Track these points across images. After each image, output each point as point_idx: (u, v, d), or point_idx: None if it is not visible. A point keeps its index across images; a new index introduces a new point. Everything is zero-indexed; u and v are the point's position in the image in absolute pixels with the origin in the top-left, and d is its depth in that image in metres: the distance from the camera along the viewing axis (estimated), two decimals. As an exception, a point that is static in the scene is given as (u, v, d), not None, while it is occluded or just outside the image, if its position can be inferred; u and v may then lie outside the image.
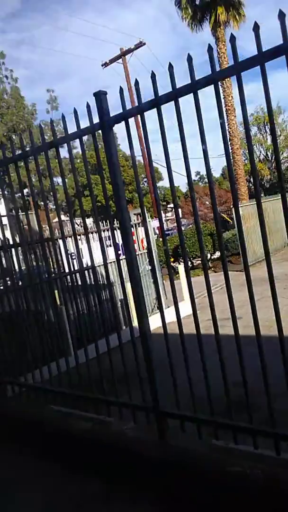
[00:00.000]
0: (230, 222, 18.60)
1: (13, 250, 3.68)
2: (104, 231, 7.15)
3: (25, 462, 3.10)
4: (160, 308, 2.59)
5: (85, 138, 2.76)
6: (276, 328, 2.11)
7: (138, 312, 2.59)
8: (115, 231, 2.76)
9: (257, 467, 2.15)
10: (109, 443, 2.76)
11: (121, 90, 2.36)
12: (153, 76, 2.21)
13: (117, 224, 3.26)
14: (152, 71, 2.19)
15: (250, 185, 23.76)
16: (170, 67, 2.15)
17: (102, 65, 22.84)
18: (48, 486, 2.79)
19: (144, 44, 21.32)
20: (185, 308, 3.88)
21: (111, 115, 2.45)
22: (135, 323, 2.66)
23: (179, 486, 2.41)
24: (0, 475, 3.07)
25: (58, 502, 2.63)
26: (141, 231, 8.44)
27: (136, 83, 2.28)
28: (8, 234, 3.90)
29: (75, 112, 2.53)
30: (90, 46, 69.55)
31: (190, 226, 21.15)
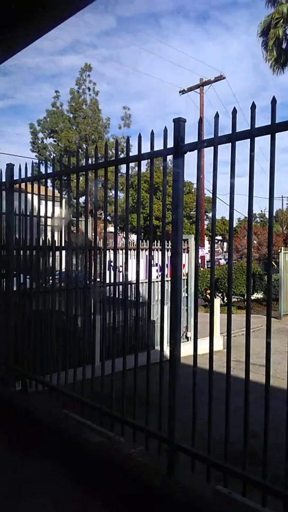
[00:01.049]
0: (274, 266, 18.21)
1: (60, 252, 3.78)
2: (153, 250, 7.22)
3: (26, 464, 3.10)
4: (195, 338, 2.56)
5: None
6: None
7: (171, 337, 2.57)
8: (164, 252, 2.79)
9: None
10: (116, 463, 2.72)
11: (200, 120, 2.43)
12: (234, 112, 2.26)
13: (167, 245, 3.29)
14: (234, 107, 2.23)
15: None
16: (253, 107, 2.19)
17: (179, 92, 23.56)
18: (46, 495, 2.77)
19: (224, 78, 21.80)
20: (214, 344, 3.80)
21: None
22: (164, 346, 2.64)
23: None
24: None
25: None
26: (184, 257, 8.46)
27: (216, 116, 2.33)
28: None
29: (152, 134, 2.62)
30: (170, 72, 72.04)
31: (235, 262, 20.92)
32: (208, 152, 2.50)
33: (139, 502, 2.51)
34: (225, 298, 14.08)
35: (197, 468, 2.46)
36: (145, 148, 2.72)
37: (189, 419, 2.50)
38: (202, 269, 16.79)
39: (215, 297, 12.62)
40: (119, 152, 3.12)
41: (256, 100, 2.17)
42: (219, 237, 44.78)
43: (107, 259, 5.44)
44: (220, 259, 34.63)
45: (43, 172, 3.76)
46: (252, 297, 14.44)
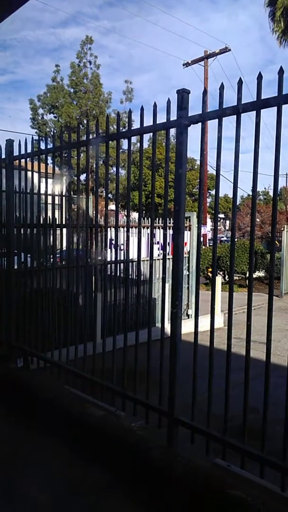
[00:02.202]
0: (277, 245, 18.17)
1: (60, 230, 3.74)
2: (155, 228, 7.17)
3: (29, 437, 3.17)
4: (196, 314, 2.56)
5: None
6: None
7: (173, 313, 2.58)
8: (166, 230, 2.75)
9: (259, 497, 2.08)
10: (117, 436, 2.77)
11: (204, 91, 2.35)
12: (239, 83, 2.18)
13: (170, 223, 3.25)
14: (240, 78, 2.16)
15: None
16: (259, 77, 2.11)
17: (183, 65, 22.89)
18: (49, 466, 2.83)
19: (229, 50, 21.12)
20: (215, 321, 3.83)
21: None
22: (165, 323, 2.65)
23: (175, 496, 2.39)
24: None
25: (57, 483, 2.67)
26: (186, 235, 8.42)
27: (221, 87, 2.25)
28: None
29: (155, 106, 2.54)
30: (175, 44, 69.86)
31: (236, 240, 20.87)
32: (212, 128, 2.44)
33: (139, 473, 2.56)
34: (226, 277, 14.10)
35: (197, 443, 2.51)
36: (148, 122, 2.66)
37: (189, 393, 2.53)
38: (204, 247, 16.74)
39: (216, 275, 12.59)
40: (121, 127, 3.04)
41: (262, 73, 2.09)
42: (221, 215, 44.45)
43: (108, 237, 5.40)
44: (222, 237, 34.29)
45: (43, 148, 3.70)
46: (254, 275, 14.42)
